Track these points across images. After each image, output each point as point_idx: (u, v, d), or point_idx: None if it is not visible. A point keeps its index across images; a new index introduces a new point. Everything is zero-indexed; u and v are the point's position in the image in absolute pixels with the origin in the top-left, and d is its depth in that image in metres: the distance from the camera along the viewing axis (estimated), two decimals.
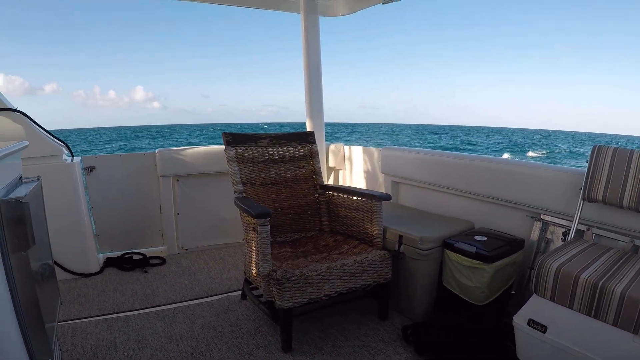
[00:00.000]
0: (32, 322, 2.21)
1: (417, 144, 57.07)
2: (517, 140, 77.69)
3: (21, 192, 2.35)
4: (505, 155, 45.85)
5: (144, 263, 5.23)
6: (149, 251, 5.58)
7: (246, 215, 3.44)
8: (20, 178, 2.81)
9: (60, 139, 4.98)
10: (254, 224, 3.28)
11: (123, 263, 5.22)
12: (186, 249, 5.73)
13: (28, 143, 2.93)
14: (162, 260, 5.36)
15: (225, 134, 4.13)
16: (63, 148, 4.95)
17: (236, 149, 4.11)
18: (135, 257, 5.38)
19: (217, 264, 5.25)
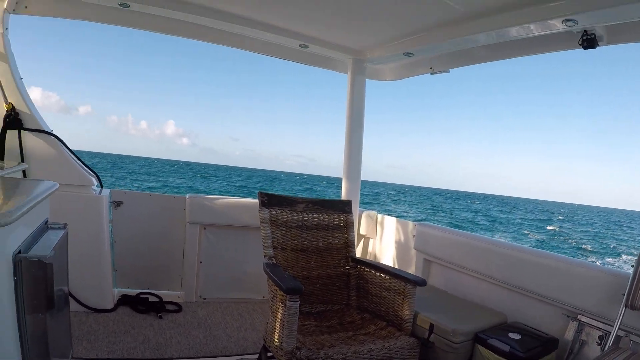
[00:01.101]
0: None
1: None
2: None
3: (45, 248, 2.24)
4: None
5: (159, 307, 5.08)
6: (165, 294, 5.44)
7: (275, 286, 3.30)
8: (46, 223, 2.71)
9: (92, 168, 4.95)
10: (282, 296, 3.14)
11: (138, 304, 5.10)
12: (204, 299, 5.58)
13: (59, 185, 2.83)
14: (179, 307, 5.22)
15: (262, 194, 4.04)
16: (93, 178, 4.91)
17: (271, 211, 4.00)
18: (151, 298, 5.26)
19: (234, 320, 5.08)
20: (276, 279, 3.22)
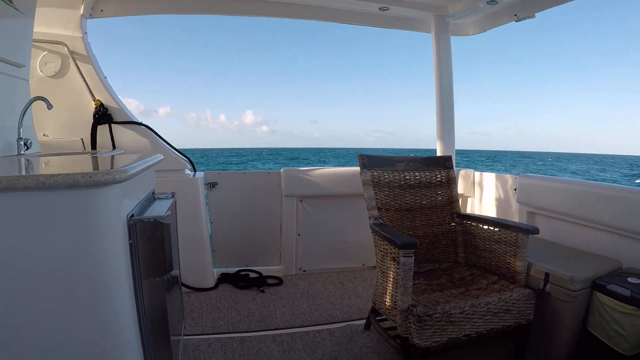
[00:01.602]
0: (159, 337, 2.08)
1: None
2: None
3: (159, 210, 2.22)
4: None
5: (260, 282, 5.12)
6: (265, 270, 5.49)
7: (386, 243, 3.22)
8: (154, 193, 2.71)
9: (184, 154, 5.02)
10: (395, 253, 3.07)
11: (239, 280, 5.14)
12: (304, 271, 5.59)
13: (162, 157, 2.84)
14: (279, 281, 5.24)
15: (361, 156, 3.95)
16: (187, 162, 5.00)
17: (372, 172, 3.92)
18: (251, 275, 5.31)
19: (336, 289, 5.05)
20: (388, 236, 3.15)
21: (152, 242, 1.97)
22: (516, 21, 5.42)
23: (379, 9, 5.46)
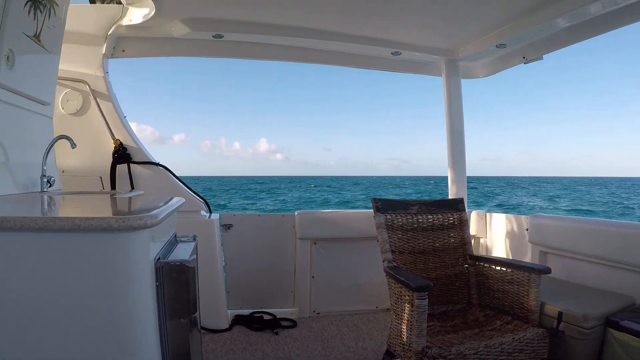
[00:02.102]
0: None
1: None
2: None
3: (183, 253, 2.30)
4: None
5: (274, 324, 5.12)
6: (278, 312, 5.48)
7: (400, 286, 3.28)
8: (175, 236, 2.78)
9: (200, 194, 5.10)
10: (409, 296, 3.12)
11: (252, 322, 5.15)
12: (318, 313, 5.59)
13: (184, 200, 2.92)
14: (293, 323, 5.24)
15: (375, 200, 4.03)
16: (202, 204, 5.07)
17: (386, 216, 3.99)
18: (265, 317, 5.31)
19: (350, 331, 5.06)
20: (402, 279, 3.21)
21: (177, 285, 2.03)
22: (525, 63, 5.56)
23: (392, 53, 5.58)
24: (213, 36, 4.90)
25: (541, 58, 5.40)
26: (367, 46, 5.34)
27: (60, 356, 1.79)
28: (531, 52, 5.39)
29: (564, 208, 45.17)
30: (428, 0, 4.30)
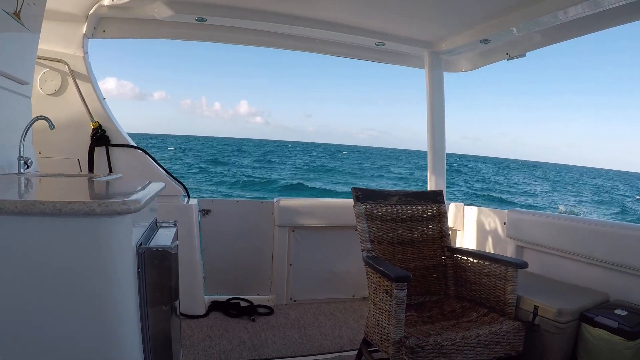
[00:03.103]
0: None
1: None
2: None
3: (165, 239, 2.27)
4: None
5: (251, 311, 5.12)
6: (255, 298, 5.48)
7: (379, 276, 3.28)
8: (156, 221, 2.76)
9: (178, 179, 5.07)
10: (388, 286, 3.13)
11: (229, 308, 5.14)
12: (295, 301, 5.59)
13: (165, 185, 2.89)
14: (270, 310, 5.24)
15: (355, 189, 4.03)
16: (181, 189, 5.02)
17: (365, 205, 3.98)
18: (242, 303, 5.30)
19: (327, 319, 5.08)
20: (382, 269, 3.21)
21: (159, 271, 2.01)
22: (507, 59, 5.55)
23: (375, 44, 5.56)
24: (196, 19, 4.82)
25: (524, 55, 5.40)
26: (351, 35, 5.30)
27: (41, 342, 1.77)
28: (514, 49, 5.39)
29: None
30: None
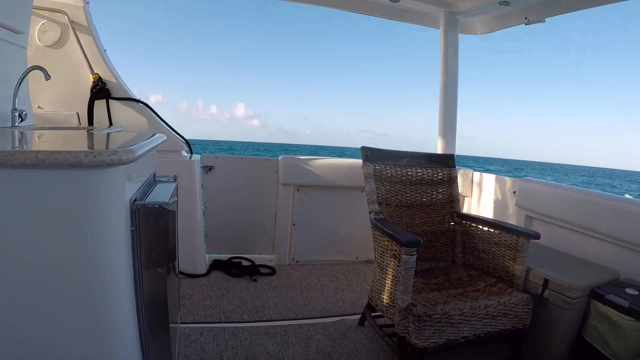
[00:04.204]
0: (158, 327, 2.01)
1: None
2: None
3: (163, 195, 2.13)
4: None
5: (253, 271, 5.04)
6: (257, 258, 5.42)
7: (387, 239, 3.18)
8: (155, 176, 2.63)
9: (181, 135, 4.94)
10: (396, 250, 3.03)
11: (231, 268, 5.07)
12: (297, 261, 5.53)
13: (166, 138, 2.76)
14: (272, 270, 5.18)
15: (365, 148, 3.92)
16: (184, 144, 4.91)
17: (375, 166, 3.87)
18: (244, 262, 5.24)
19: (330, 282, 5.00)
20: (391, 232, 3.11)
21: (155, 230, 1.88)
22: (526, 24, 5.39)
23: (390, 0, 5.41)
24: None
25: (543, 21, 5.24)
26: None
27: (25, 308, 1.64)
28: (534, 13, 5.22)
29: None
30: None
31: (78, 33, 4.50)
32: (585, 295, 3.31)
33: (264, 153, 71.42)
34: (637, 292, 3.23)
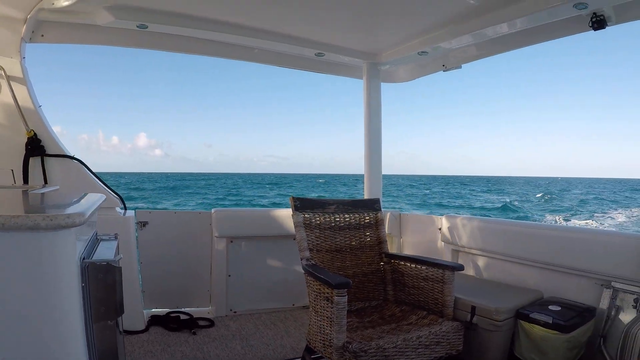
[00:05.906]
0: None
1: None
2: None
3: (107, 252, 2.25)
4: None
5: (191, 324, 5.06)
6: (195, 311, 5.42)
7: (319, 283, 3.34)
8: (97, 235, 2.72)
9: (115, 190, 4.97)
10: (328, 293, 3.19)
11: (169, 322, 5.07)
12: (234, 312, 5.56)
13: (105, 197, 2.85)
14: (210, 322, 5.19)
15: (294, 199, 4.07)
16: (118, 200, 4.92)
17: (304, 215, 4.04)
18: (182, 316, 5.23)
19: (268, 329, 5.07)
20: (321, 276, 3.28)
21: (103, 286, 1.98)
22: (444, 71, 5.72)
23: (315, 54, 5.59)
24: (137, 26, 4.68)
25: (460, 67, 5.59)
26: (291, 45, 5.32)
27: None
28: (450, 61, 5.57)
29: None
30: (352, 4, 4.34)
31: (13, 87, 4.44)
32: (511, 316, 3.61)
33: (172, 184, 71.08)
34: (560, 308, 3.57)
